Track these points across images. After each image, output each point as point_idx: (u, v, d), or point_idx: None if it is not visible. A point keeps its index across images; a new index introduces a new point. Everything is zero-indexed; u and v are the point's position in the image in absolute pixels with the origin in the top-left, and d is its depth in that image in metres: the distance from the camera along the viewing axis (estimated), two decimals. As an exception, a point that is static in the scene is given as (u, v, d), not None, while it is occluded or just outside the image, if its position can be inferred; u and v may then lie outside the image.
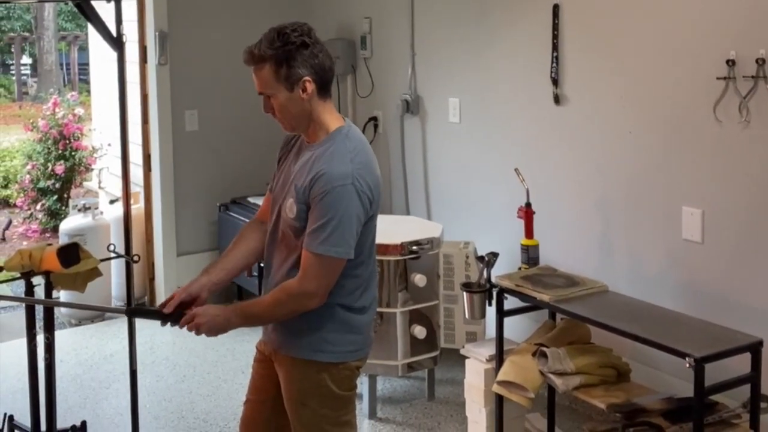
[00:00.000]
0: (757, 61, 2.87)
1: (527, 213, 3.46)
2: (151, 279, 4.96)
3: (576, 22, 3.58)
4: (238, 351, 4.31)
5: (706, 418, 2.54)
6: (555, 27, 3.64)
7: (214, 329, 2.17)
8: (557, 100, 3.66)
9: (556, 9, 3.63)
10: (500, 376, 3.05)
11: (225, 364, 4.17)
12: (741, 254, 3.01)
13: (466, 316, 3.26)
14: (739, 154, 2.99)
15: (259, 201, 4.60)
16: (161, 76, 4.78)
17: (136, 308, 2.21)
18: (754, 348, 2.60)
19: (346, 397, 2.26)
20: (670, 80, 3.21)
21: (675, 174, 3.22)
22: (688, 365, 2.47)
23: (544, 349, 2.96)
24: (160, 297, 4.89)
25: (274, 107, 2.17)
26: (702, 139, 3.10)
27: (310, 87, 2.13)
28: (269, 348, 2.32)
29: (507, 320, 3.14)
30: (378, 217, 2.25)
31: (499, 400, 3.11)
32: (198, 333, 2.18)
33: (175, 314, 2.22)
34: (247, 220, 4.48)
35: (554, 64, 3.66)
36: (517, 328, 3.43)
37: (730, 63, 2.96)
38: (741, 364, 2.60)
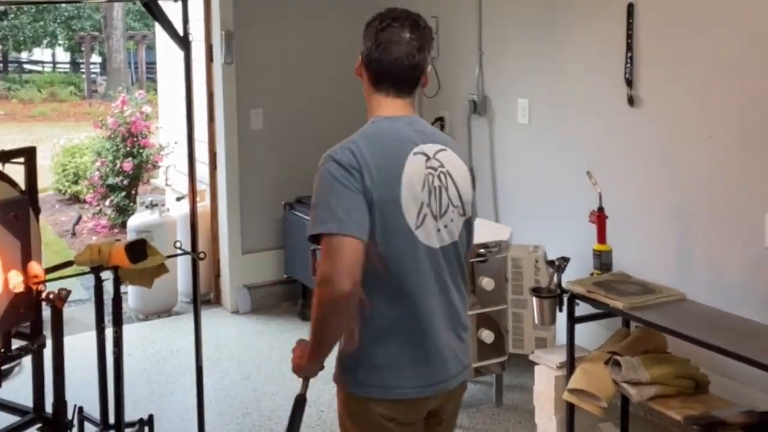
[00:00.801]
0: None
1: (600, 217, 3.37)
2: (217, 276, 5.00)
3: (651, 21, 3.48)
4: (302, 350, 4.30)
5: (791, 435, 2.44)
6: (629, 26, 3.55)
7: (297, 369, 2.03)
8: (631, 101, 3.57)
9: (630, 8, 3.54)
10: (571, 384, 2.98)
11: (289, 363, 4.17)
12: (829, 264, 2.88)
13: (536, 321, 3.19)
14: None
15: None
16: (227, 74, 4.82)
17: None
18: (842, 363, 2.48)
19: None
20: (751, 80, 3.09)
21: (757, 179, 3.10)
22: (771, 379, 2.38)
23: (618, 357, 2.89)
24: (226, 294, 4.93)
25: None
26: (787, 143, 2.98)
27: (358, 63, 2.05)
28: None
29: (578, 327, 3.06)
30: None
31: (570, 408, 3.04)
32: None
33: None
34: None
35: (629, 65, 3.57)
36: (588, 335, 3.35)
37: (820, 63, 2.83)
38: (829, 380, 2.48)
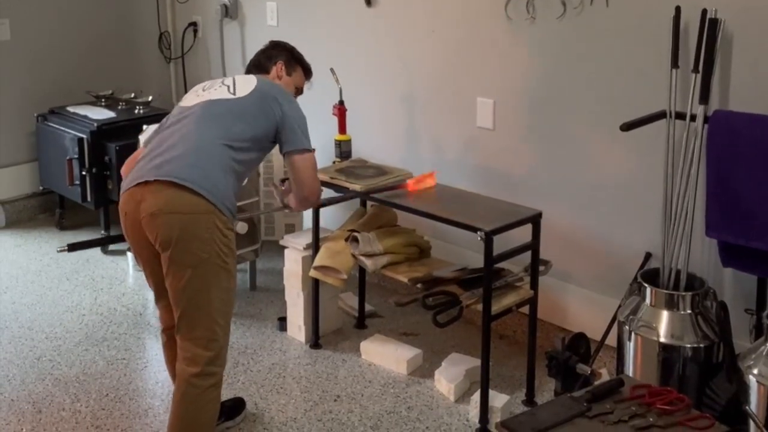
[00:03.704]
0: (542, -38, 3.11)
1: (341, 110, 3.62)
2: (-33, 194, 4.77)
3: (384, -76, 3.70)
4: (62, 258, 4.26)
5: (494, 283, 2.83)
6: (366, -70, 3.75)
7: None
8: (368, 2, 3.80)
9: None
10: (316, 262, 3.24)
11: (49, 272, 4.13)
12: (525, 138, 3.32)
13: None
14: (525, 48, 3.26)
15: (80, 110, 4.55)
16: (-37, -19, 4.51)
17: None
18: (535, 219, 2.90)
19: None
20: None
21: (471, 68, 3.46)
22: (479, 238, 2.75)
23: (356, 234, 3.17)
24: (-22, 211, 4.73)
25: None
26: (495, 36, 3.35)
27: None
28: None
29: (323, 210, 3.32)
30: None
31: (316, 283, 3.31)
32: None
33: None
34: (67, 130, 4.41)
35: (366, -33, 3.78)
36: (332, 218, 3.63)
37: (520, -37, 3.18)
38: (524, 234, 2.91)
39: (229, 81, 2.71)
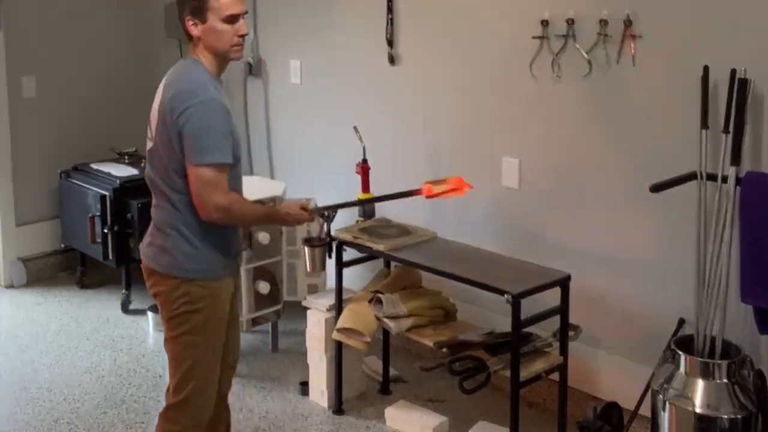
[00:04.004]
0: (567, 21, 3.10)
1: (364, 168, 3.60)
2: (-10, 250, 4.77)
3: (408, -16, 3.73)
4: (83, 317, 4.25)
5: (522, 348, 2.76)
6: (389, -10, 3.77)
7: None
8: (392, 60, 3.80)
9: (390, -28, 3.76)
10: (339, 324, 3.19)
11: (69, 332, 4.10)
12: (552, 198, 3.27)
13: (308, 269, 3.34)
14: (551, 107, 3.23)
15: (103, 167, 4.56)
16: (-5, 41, 4.59)
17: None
18: (564, 283, 2.85)
19: None
20: (491, 40, 3.41)
21: (496, 127, 3.43)
22: (506, 301, 2.69)
23: (380, 295, 3.11)
24: (0, 268, 4.72)
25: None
26: (519, 95, 3.33)
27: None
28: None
29: (346, 271, 3.28)
30: None
31: (339, 346, 3.25)
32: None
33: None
34: (90, 187, 4.42)
35: (389, 26, 3.79)
36: (355, 278, 3.58)
37: (544, 23, 3.17)
38: (552, 298, 2.84)
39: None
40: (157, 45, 4.92)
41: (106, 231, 4.27)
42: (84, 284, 4.62)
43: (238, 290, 2.73)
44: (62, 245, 4.74)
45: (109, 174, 4.43)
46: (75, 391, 3.51)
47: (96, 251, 4.34)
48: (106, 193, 4.30)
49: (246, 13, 2.43)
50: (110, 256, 4.29)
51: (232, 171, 2.42)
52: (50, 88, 4.79)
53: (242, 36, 2.42)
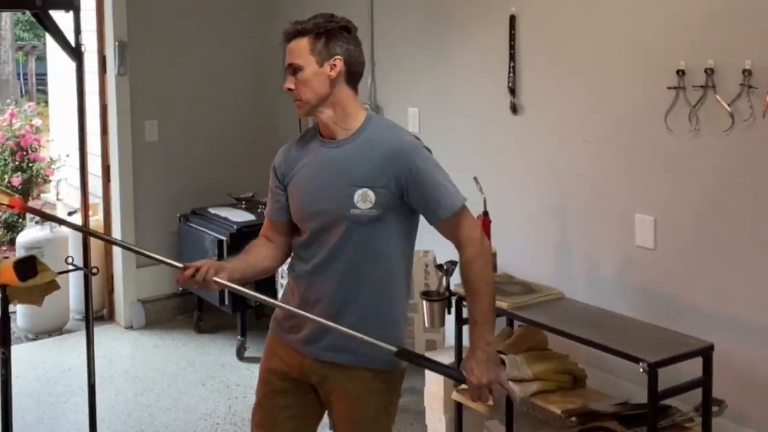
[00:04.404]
0: (705, 71, 2.94)
1: (485, 221, 3.49)
2: (110, 291, 4.90)
3: (532, 32, 3.64)
4: (198, 362, 4.28)
5: (660, 422, 2.58)
6: (512, 37, 3.69)
7: (493, 366, 2.11)
8: (514, 109, 3.71)
9: (512, 20, 3.68)
10: (460, 384, 3.07)
11: (185, 376, 4.14)
12: (691, 260, 3.07)
13: (426, 324, 3.28)
14: (688, 162, 3.06)
15: (221, 211, 4.62)
16: (121, 86, 4.75)
17: (406, 352, 2.16)
18: (706, 352, 2.65)
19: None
20: (623, 90, 3.27)
21: (628, 182, 3.27)
22: (641, 370, 2.52)
23: (502, 356, 2.99)
24: (120, 309, 4.84)
25: (296, 83, 2.13)
26: (654, 148, 3.17)
27: (340, 66, 2.12)
28: (318, 369, 2.17)
29: (466, 328, 3.16)
30: None
31: (459, 407, 3.14)
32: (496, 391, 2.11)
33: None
34: (208, 231, 4.49)
35: (511, 74, 3.71)
36: (476, 335, 3.45)
37: (680, 73, 3.02)
38: (693, 368, 2.65)
39: None
40: (276, 92, 4.99)
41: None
42: (200, 329, 4.68)
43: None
44: (180, 288, 4.83)
45: (226, 219, 4.49)
46: (190, 437, 3.53)
47: (212, 296, 4.38)
48: (223, 238, 4.35)
49: (290, 65, 2.14)
50: (226, 302, 4.32)
51: (281, 227, 2.27)
52: (171, 132, 4.92)
53: (288, 90, 2.17)
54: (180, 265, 2.17)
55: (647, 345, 2.66)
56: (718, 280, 2.99)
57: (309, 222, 2.17)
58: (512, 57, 3.69)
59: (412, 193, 2.10)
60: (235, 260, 2.29)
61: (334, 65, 2.12)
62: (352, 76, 2.17)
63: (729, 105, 2.88)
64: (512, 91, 3.70)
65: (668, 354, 2.59)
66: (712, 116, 2.95)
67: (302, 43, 2.12)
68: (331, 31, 2.14)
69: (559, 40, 3.52)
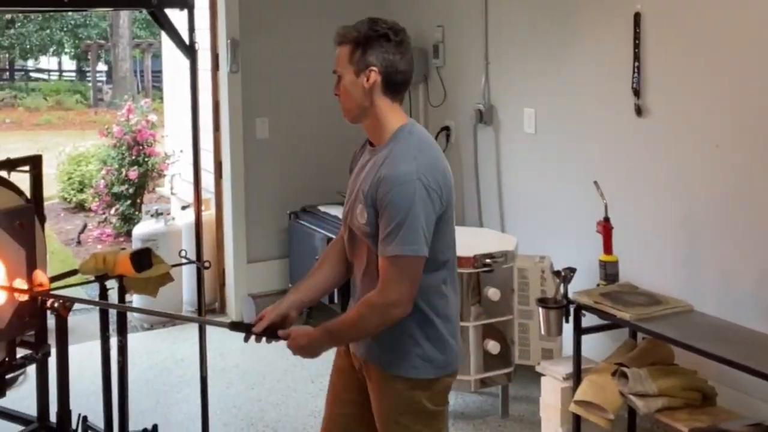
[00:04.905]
0: None
1: (606, 227, 3.35)
2: (222, 285, 4.99)
3: (658, 30, 3.47)
4: (308, 360, 4.27)
5: (799, 447, 2.41)
6: (636, 36, 3.54)
7: (308, 354, 2.17)
8: (639, 111, 3.55)
9: (637, 17, 3.53)
10: (578, 396, 2.97)
11: (295, 372, 4.17)
12: (838, 276, 2.86)
13: (542, 332, 3.18)
14: (836, 169, 2.85)
15: (331, 210, 4.63)
16: (233, 83, 4.82)
17: (237, 323, 2.27)
18: None
19: (440, 412, 2.20)
20: (758, 90, 3.08)
21: (765, 189, 3.08)
22: (779, 391, 2.36)
23: (625, 369, 2.87)
24: (231, 303, 4.93)
25: (340, 90, 2.16)
26: (795, 154, 2.97)
27: (374, 78, 2.10)
28: (358, 358, 2.25)
29: (584, 338, 3.05)
30: None
31: (577, 420, 3.03)
32: (294, 353, 2.18)
33: (267, 332, 2.21)
34: (318, 229, 4.51)
35: (636, 74, 3.55)
36: (594, 346, 3.32)
37: (827, 73, 2.82)
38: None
39: None
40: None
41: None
42: (311, 326, 4.69)
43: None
44: (290, 285, 4.87)
45: (336, 217, 4.49)
46: (299, 434, 3.54)
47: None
48: (333, 236, 4.35)
49: (334, 71, 2.15)
50: (336, 300, 4.32)
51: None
52: (282, 129, 4.96)
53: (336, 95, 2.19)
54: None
55: (785, 364, 2.49)
56: None
57: (345, 224, 2.23)
58: (636, 56, 3.54)
59: (380, 221, 2.05)
60: (301, 284, 2.34)
61: (369, 77, 2.10)
62: (391, 85, 2.12)
63: None
64: (636, 92, 3.55)
65: (809, 375, 2.42)
66: None
67: (344, 51, 2.12)
68: (370, 40, 2.10)
69: (689, 38, 3.35)
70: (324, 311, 4.63)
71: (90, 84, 20.86)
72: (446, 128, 4.71)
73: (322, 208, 4.69)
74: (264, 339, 2.23)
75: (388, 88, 2.12)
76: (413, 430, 2.16)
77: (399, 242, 2.00)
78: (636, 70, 3.55)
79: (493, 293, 3.49)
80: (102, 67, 22.13)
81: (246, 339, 2.24)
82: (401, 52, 2.11)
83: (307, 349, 2.15)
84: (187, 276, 4.77)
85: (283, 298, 2.27)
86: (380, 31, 2.10)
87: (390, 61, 2.10)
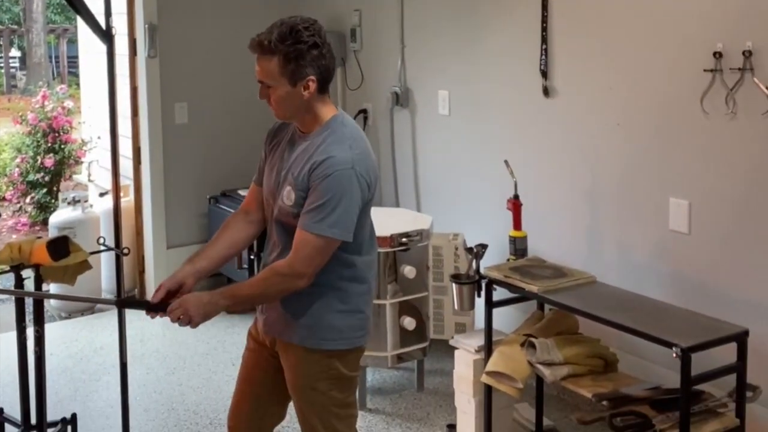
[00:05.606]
0: (743, 53, 2.89)
1: (515, 204, 3.48)
2: (141, 272, 4.95)
3: (565, 14, 3.59)
4: (229, 342, 4.32)
5: (693, 407, 2.55)
6: (544, 19, 3.66)
7: (201, 313, 2.16)
8: (546, 92, 3.68)
9: (545, 1, 3.64)
10: (489, 367, 3.06)
11: (215, 356, 4.18)
12: (727, 245, 3.04)
13: (455, 307, 3.27)
14: (725, 146, 3.01)
15: (249, 193, 4.63)
16: (151, 68, 4.77)
17: (126, 299, 2.26)
18: (740, 338, 2.61)
19: (354, 377, 2.32)
20: (657, 72, 3.23)
21: (662, 165, 3.24)
22: (675, 355, 2.49)
23: (533, 339, 2.97)
24: (150, 289, 4.89)
25: (270, 96, 2.22)
26: (689, 131, 3.13)
27: (313, 86, 2.17)
28: (269, 336, 2.33)
29: (496, 311, 3.15)
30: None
31: (488, 390, 3.13)
32: (185, 319, 2.16)
33: (163, 304, 2.22)
34: (237, 213, 4.51)
35: (543, 57, 3.67)
36: (505, 318, 3.45)
37: (717, 55, 2.98)
38: (727, 354, 2.62)
39: None
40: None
41: (252, 257, 4.34)
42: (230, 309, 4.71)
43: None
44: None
45: (256, 201, 4.50)
46: (221, 416, 3.55)
47: (242, 277, 4.41)
48: (253, 220, 4.36)
49: (260, 81, 2.21)
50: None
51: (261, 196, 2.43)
52: (201, 114, 4.94)
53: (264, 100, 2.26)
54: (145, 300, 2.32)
55: (680, 330, 2.63)
56: (753, 265, 2.95)
57: (267, 203, 2.30)
58: (544, 39, 3.66)
59: (307, 199, 2.14)
60: (197, 255, 2.41)
61: (308, 86, 2.17)
62: (324, 84, 2.21)
63: (767, 88, 2.83)
64: (544, 73, 3.67)
65: (702, 339, 2.56)
66: (749, 99, 2.90)
67: (272, 63, 2.16)
68: (302, 53, 2.14)
69: (593, 22, 3.48)
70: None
71: (2, 70, 20.13)
72: (364, 111, 4.76)
73: (242, 192, 4.69)
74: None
75: (323, 88, 2.21)
76: (329, 395, 2.26)
77: (329, 224, 2.09)
78: (543, 53, 3.67)
79: (408, 271, 3.57)
80: (15, 52, 21.35)
81: (150, 314, 2.26)
82: (329, 53, 2.20)
83: (198, 310, 2.15)
84: (105, 263, 4.72)
85: (179, 268, 2.33)
86: (309, 41, 2.15)
87: (324, 66, 2.18)
